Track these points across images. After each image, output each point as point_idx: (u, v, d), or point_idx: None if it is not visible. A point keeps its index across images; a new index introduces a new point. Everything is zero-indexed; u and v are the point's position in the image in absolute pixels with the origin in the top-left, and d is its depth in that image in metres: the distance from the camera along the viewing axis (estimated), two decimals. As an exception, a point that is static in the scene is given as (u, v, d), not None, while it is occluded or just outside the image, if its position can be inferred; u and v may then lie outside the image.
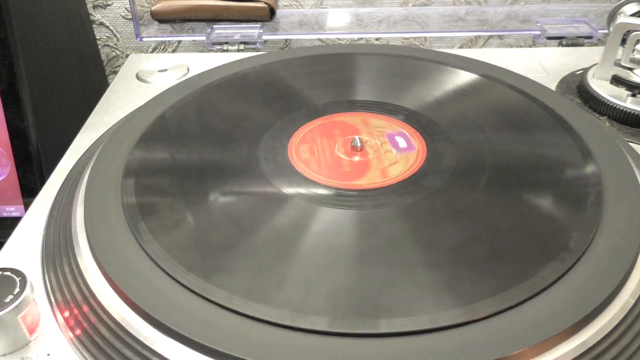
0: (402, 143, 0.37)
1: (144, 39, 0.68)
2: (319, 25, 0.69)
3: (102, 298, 0.30)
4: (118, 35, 0.77)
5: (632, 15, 0.50)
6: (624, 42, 0.47)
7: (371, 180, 0.37)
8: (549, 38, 0.63)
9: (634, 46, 0.47)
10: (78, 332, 0.29)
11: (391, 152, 0.39)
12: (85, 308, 0.30)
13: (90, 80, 0.66)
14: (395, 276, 0.29)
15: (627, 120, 0.46)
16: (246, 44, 0.63)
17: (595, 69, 0.50)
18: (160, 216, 0.34)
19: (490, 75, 0.48)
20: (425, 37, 0.77)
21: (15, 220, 0.38)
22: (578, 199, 0.34)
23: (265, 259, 0.31)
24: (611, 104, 0.46)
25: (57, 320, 0.30)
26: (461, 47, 0.77)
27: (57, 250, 0.34)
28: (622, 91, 0.47)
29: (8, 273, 0.29)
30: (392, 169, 0.38)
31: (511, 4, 0.72)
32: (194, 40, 0.77)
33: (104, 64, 0.78)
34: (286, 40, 0.76)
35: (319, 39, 0.74)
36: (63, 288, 0.31)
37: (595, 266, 0.30)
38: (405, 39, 0.77)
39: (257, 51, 0.62)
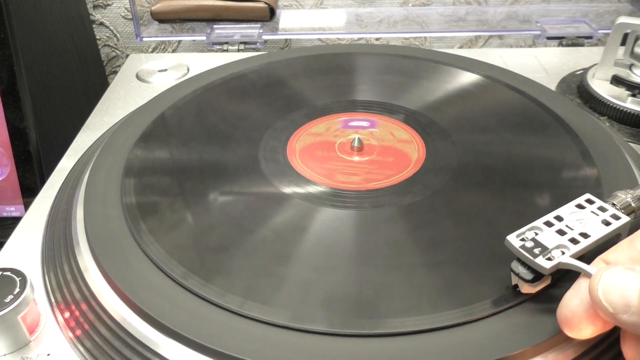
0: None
1: (144, 39, 0.68)
2: (319, 25, 0.69)
3: (102, 298, 0.30)
4: (118, 35, 0.77)
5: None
6: (624, 42, 0.47)
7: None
8: (549, 38, 0.63)
9: (634, 43, 0.47)
10: (78, 332, 0.29)
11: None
12: (85, 308, 0.30)
13: (90, 80, 0.66)
14: (394, 276, 0.29)
15: (627, 120, 0.46)
16: (246, 44, 0.63)
17: (595, 69, 0.50)
18: (160, 216, 0.34)
19: (490, 75, 0.48)
20: (425, 37, 0.77)
21: (15, 220, 0.38)
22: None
23: (264, 259, 0.31)
24: (611, 104, 0.46)
25: (57, 320, 0.30)
26: (461, 47, 0.77)
27: (57, 250, 0.34)
28: (622, 91, 0.47)
29: (8, 273, 0.29)
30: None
31: (511, 4, 0.72)
32: (194, 40, 0.77)
33: (104, 64, 0.78)
34: (286, 40, 0.76)
35: (319, 39, 0.74)
36: (63, 288, 0.31)
37: (595, 266, 0.30)
38: (405, 39, 0.77)
39: (257, 51, 0.62)
